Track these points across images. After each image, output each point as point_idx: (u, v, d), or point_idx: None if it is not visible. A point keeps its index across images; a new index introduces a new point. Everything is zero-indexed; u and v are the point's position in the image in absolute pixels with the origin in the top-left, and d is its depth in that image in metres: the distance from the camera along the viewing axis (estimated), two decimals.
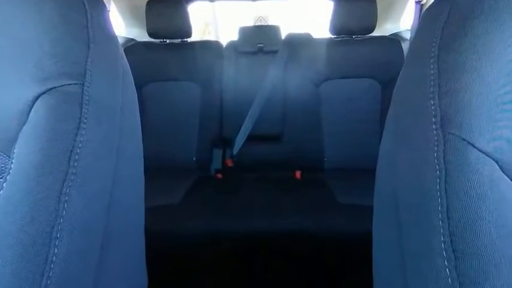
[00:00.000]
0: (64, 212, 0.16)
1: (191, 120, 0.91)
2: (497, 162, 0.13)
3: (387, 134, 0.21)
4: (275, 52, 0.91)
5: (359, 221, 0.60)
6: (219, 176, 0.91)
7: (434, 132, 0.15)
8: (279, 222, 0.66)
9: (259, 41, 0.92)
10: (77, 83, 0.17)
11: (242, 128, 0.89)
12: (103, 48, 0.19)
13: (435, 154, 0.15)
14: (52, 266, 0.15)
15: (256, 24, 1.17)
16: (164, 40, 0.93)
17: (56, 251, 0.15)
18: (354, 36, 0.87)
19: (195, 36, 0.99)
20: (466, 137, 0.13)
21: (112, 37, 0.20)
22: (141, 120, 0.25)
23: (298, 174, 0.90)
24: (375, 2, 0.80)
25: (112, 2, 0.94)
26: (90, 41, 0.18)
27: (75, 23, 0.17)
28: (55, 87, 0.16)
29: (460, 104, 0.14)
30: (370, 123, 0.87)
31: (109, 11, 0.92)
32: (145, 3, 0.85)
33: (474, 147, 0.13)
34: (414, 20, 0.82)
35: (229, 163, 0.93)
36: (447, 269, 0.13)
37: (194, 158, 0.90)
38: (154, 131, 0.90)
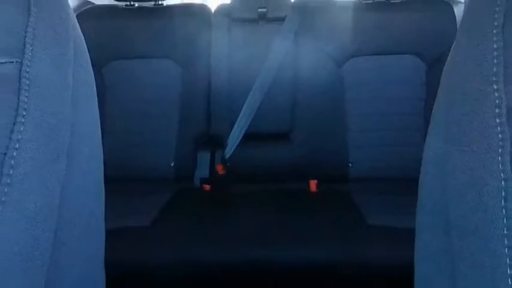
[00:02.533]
0: None
1: (168, 112, 0.95)
2: None
3: (435, 131, 0.22)
4: (282, 20, 0.95)
5: (396, 249, 0.61)
6: (206, 187, 0.95)
7: (499, 128, 0.16)
8: (285, 251, 0.69)
9: (261, 4, 0.95)
10: (13, 61, 0.18)
11: (237, 122, 0.93)
12: (48, 14, 0.19)
13: (499, 158, 0.15)
14: None
15: None
16: (131, 3, 0.97)
17: None
18: None
19: None
20: None
21: None
22: (100, 111, 0.26)
23: (313, 185, 0.93)
24: None
25: None
26: (31, 4, 0.18)
27: None
28: None
29: None
30: (411, 116, 0.92)
31: None
32: None
33: None
34: None
35: (220, 170, 0.96)
36: None
37: (172, 164, 0.94)
38: (119, 127, 0.93)
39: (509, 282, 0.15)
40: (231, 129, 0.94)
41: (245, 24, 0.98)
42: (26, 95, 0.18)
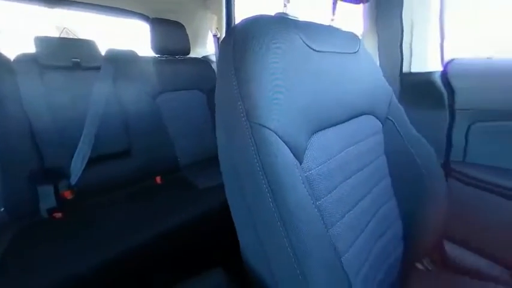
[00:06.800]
0: None
1: None
2: (276, 133, 0.24)
3: (219, 128, 0.30)
4: (97, 68, 0.95)
5: (219, 195, 0.76)
6: (58, 215, 0.83)
7: (245, 123, 0.24)
8: (149, 228, 0.71)
9: (74, 55, 0.92)
10: None
11: (77, 151, 0.85)
12: None
13: (249, 136, 0.24)
14: None
15: (63, 36, 1.16)
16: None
17: None
18: (177, 56, 1.13)
19: None
20: (261, 123, 0.23)
21: None
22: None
23: (158, 179, 1.02)
24: (184, 29, 1.13)
25: None
26: None
27: None
28: None
29: (253, 103, 0.23)
30: (205, 123, 1.15)
31: None
32: None
33: (266, 127, 0.23)
34: (215, 47, 1.26)
35: (68, 195, 0.86)
36: (270, 203, 0.24)
37: (2, 209, 0.78)
38: None
39: (266, 190, 0.22)
40: (71, 159, 0.84)
41: (61, 71, 0.90)
42: None
